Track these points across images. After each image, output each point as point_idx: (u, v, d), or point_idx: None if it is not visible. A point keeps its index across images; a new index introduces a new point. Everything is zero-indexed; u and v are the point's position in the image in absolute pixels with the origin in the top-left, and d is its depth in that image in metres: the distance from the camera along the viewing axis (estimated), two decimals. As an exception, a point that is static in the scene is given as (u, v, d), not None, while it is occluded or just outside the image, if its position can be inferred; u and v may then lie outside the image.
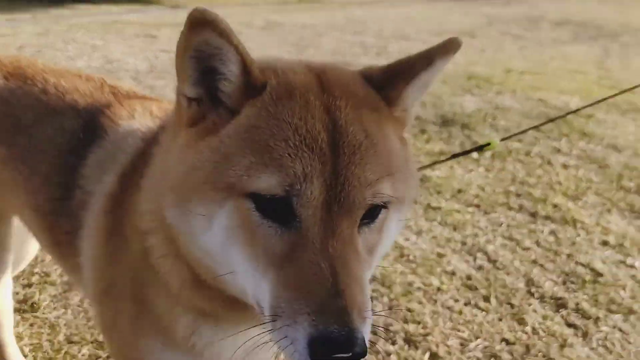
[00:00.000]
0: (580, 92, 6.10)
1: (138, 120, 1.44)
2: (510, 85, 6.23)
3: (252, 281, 0.98)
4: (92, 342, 2.12)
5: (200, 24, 0.95)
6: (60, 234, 1.45)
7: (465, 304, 2.53)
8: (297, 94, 1.01)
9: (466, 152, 2.01)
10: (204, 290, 1.13)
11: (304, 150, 0.95)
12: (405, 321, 2.38)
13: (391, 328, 2.32)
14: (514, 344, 2.30)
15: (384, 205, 1.02)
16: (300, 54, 7.53)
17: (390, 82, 1.10)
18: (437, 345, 2.25)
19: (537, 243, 3.08)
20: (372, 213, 1.01)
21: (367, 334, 0.92)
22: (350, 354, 0.88)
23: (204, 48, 0.98)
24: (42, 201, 1.46)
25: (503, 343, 2.31)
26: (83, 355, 2.09)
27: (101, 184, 1.35)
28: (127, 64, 6.23)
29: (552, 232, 3.20)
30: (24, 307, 2.31)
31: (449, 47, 1.11)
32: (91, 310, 1.34)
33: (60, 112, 1.51)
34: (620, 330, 2.43)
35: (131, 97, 1.57)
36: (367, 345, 0.91)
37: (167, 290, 1.17)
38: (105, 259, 1.30)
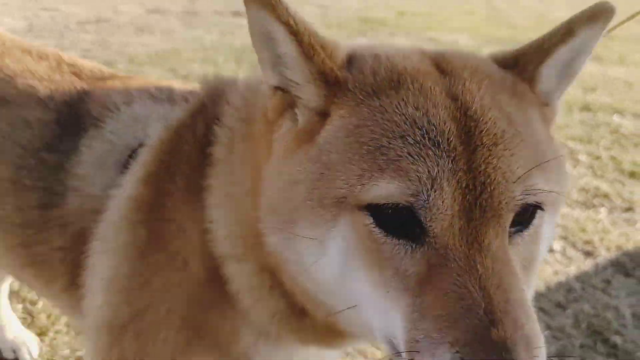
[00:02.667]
0: (469, 31, 6.32)
1: (143, 105, 1.18)
2: (404, 26, 6.35)
3: (380, 314, 0.79)
4: None
5: (262, 3, 0.80)
6: (43, 251, 1.18)
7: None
8: (407, 79, 0.82)
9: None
10: (302, 322, 0.96)
11: (427, 146, 0.76)
12: None
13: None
14: None
15: (539, 205, 0.81)
16: (193, 5, 7.30)
17: (523, 62, 0.90)
18: None
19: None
20: (524, 217, 0.81)
21: None
22: None
23: (262, 29, 0.82)
24: (9, 211, 1.20)
25: None
26: None
27: (118, 186, 1.08)
28: (1, 23, 5.79)
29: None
30: None
31: (596, 13, 0.87)
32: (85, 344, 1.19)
33: (12, 101, 1.25)
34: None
35: (104, 79, 1.31)
36: None
37: (234, 316, 0.99)
38: (135, 280, 1.03)
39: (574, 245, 2.50)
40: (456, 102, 0.80)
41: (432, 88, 0.81)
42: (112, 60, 5.01)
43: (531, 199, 0.78)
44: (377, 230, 0.77)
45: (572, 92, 4.52)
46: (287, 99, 0.86)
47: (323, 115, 0.83)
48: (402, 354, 0.75)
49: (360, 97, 0.82)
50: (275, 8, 0.80)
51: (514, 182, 0.76)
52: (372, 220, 0.77)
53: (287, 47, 0.83)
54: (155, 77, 4.64)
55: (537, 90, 0.91)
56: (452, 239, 0.75)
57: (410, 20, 6.72)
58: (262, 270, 0.94)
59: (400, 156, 0.76)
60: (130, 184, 1.06)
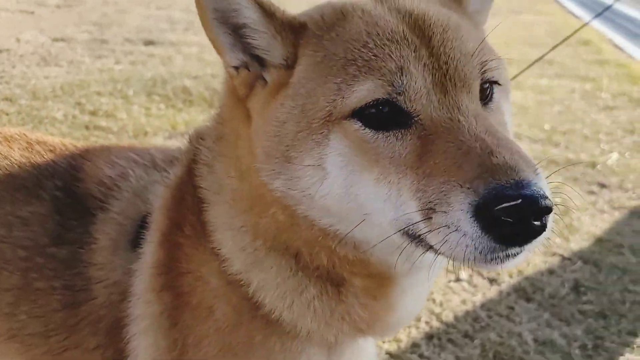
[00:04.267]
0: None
1: (137, 177, 1.16)
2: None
3: (392, 206, 0.84)
4: None
5: None
6: (77, 355, 1.09)
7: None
8: (352, 8, 0.95)
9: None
10: (341, 299, 0.99)
11: (387, 45, 0.88)
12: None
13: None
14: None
15: (496, 81, 0.94)
16: (102, 33, 7.09)
17: None
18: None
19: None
20: (485, 94, 0.93)
21: (546, 188, 0.76)
22: (536, 201, 0.70)
23: (218, 6, 0.92)
24: (26, 322, 1.09)
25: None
26: None
27: (137, 260, 1.06)
28: None
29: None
30: None
31: None
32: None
33: None
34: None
35: (78, 152, 1.24)
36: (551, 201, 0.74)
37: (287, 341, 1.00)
38: (174, 351, 1.02)
39: (479, 273, 2.65)
40: (400, 12, 0.94)
41: (377, 8, 0.95)
42: (13, 95, 4.79)
43: (488, 74, 0.92)
44: (367, 130, 0.86)
45: (475, 118, 4.80)
46: (251, 73, 0.96)
47: (290, 63, 0.94)
48: (421, 229, 0.80)
49: (319, 33, 0.94)
50: None
51: (472, 56, 0.90)
52: (360, 124, 0.86)
53: (250, 14, 0.93)
54: (60, 113, 4.48)
55: (466, 9, 1.07)
56: (434, 111, 0.85)
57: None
58: (280, 257, 0.97)
59: (367, 60, 0.87)
60: (148, 252, 1.05)
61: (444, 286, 2.54)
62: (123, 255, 1.08)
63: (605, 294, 2.47)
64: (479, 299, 2.46)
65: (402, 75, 0.86)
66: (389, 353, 2.10)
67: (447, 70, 0.88)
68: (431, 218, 0.78)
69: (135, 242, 1.08)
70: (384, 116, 0.86)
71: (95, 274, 1.08)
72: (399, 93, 0.85)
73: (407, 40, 0.89)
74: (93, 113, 4.54)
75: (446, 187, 0.77)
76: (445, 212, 0.76)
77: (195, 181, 1.06)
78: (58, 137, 1.35)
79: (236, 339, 1.00)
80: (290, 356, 1.01)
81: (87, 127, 4.28)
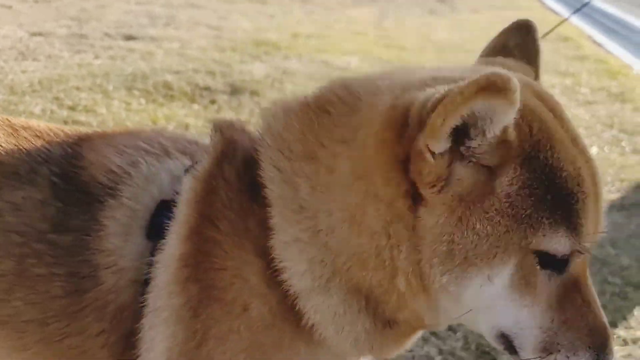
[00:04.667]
0: (360, 53, 6.57)
1: (149, 164, 1.12)
2: (297, 49, 6.48)
3: (512, 319, 0.98)
4: None
5: (497, 91, 0.84)
6: (78, 342, 1.07)
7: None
8: (554, 137, 0.95)
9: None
10: (384, 335, 1.06)
11: (589, 203, 0.95)
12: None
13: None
14: None
15: None
16: (81, 28, 6.99)
17: None
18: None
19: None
20: None
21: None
22: None
23: (481, 112, 0.87)
24: (20, 308, 1.07)
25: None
26: None
27: (159, 251, 1.04)
28: None
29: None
30: None
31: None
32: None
33: None
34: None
35: (74, 137, 1.19)
36: None
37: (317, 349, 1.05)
38: (192, 341, 1.02)
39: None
40: (584, 155, 0.99)
41: (567, 139, 0.97)
42: (-11, 90, 4.70)
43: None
44: (538, 267, 0.95)
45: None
46: (445, 165, 0.92)
47: (491, 172, 0.93)
48: (523, 349, 0.98)
49: (528, 150, 0.93)
50: (514, 100, 0.86)
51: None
52: (537, 261, 0.94)
53: (497, 125, 0.90)
54: (38, 108, 4.41)
55: None
56: (581, 274, 0.99)
57: (304, 43, 6.87)
58: (352, 296, 1.01)
59: (571, 213, 0.93)
60: (172, 244, 1.03)
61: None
62: (135, 241, 1.07)
63: (585, 285, 2.49)
64: (461, 292, 2.48)
65: (591, 239, 0.97)
66: (372, 347, 2.10)
67: (597, 232, 1.01)
68: (552, 353, 0.97)
69: (150, 230, 1.07)
70: (553, 261, 0.96)
71: (103, 260, 1.06)
72: (581, 252, 0.96)
73: (596, 197, 0.98)
74: (72, 108, 4.47)
75: (577, 342, 0.96)
76: (568, 357, 0.96)
77: (239, 177, 1.05)
78: (43, 122, 1.31)
79: (267, 338, 1.02)
80: None
81: (65, 122, 4.21)
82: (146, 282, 1.04)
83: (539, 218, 0.92)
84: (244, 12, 8.51)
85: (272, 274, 1.00)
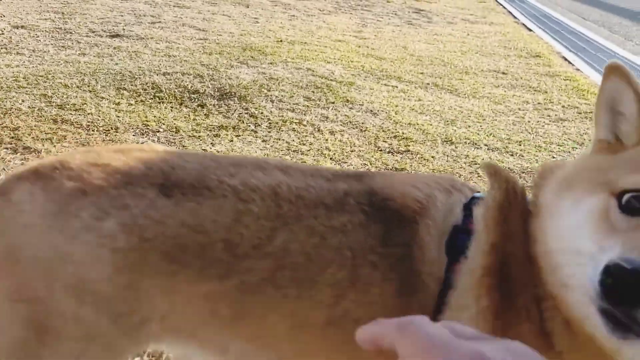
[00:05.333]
0: (342, 61, 6.74)
1: (446, 197, 1.39)
2: (282, 55, 6.61)
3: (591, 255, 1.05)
4: None
5: (610, 71, 1.16)
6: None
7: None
8: None
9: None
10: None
11: None
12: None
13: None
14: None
15: None
16: (65, 22, 6.97)
17: None
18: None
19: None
20: None
21: None
22: None
23: (612, 93, 1.18)
24: (349, 307, 1.26)
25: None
26: None
27: (462, 261, 1.27)
28: None
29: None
30: None
31: None
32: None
33: (296, 218, 1.30)
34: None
35: (354, 176, 1.45)
36: None
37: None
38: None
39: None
40: None
41: None
42: (-23, 85, 4.69)
43: None
44: (616, 207, 1.09)
45: (436, 124, 5.04)
46: (608, 145, 1.21)
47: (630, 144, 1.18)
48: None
49: None
50: (630, 78, 1.16)
51: None
52: (616, 202, 1.09)
53: (630, 107, 1.17)
54: (26, 105, 4.43)
55: None
56: None
57: (288, 49, 6.99)
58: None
59: None
60: (475, 258, 1.26)
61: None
62: (441, 256, 1.29)
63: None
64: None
65: None
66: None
67: None
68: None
69: (448, 247, 1.30)
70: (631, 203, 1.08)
71: (426, 269, 1.28)
72: None
73: None
74: (60, 106, 4.51)
75: None
76: None
77: (524, 213, 1.30)
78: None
79: (536, 341, 1.19)
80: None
81: (54, 121, 4.25)
82: (446, 287, 1.26)
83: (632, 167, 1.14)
84: (228, 14, 8.59)
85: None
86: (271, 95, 5.23)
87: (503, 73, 7.35)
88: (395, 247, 1.30)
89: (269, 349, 1.33)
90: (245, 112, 4.78)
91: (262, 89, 5.34)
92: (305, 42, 7.47)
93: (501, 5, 14.02)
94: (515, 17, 12.47)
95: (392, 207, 1.34)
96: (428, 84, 6.46)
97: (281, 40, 7.36)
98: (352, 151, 4.33)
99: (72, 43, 6.17)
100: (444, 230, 1.32)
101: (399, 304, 1.28)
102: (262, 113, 4.75)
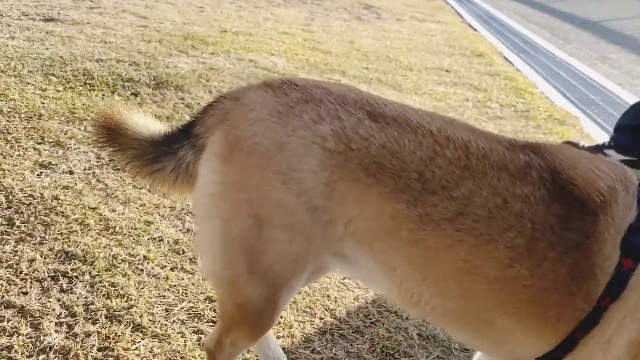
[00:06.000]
0: (287, 54, 6.66)
1: (619, 188, 1.44)
2: (225, 45, 6.47)
3: None
4: None
5: None
6: (562, 311, 1.39)
7: (172, 269, 2.65)
8: None
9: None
10: None
11: None
12: (108, 297, 2.38)
13: (92, 307, 2.32)
14: (215, 301, 2.52)
15: None
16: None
17: None
18: (140, 316, 2.31)
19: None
20: None
21: None
22: None
23: None
24: (523, 273, 1.37)
25: (207, 302, 2.49)
26: None
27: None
28: None
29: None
30: None
31: None
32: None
33: (482, 174, 1.41)
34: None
35: (538, 148, 1.51)
36: None
37: None
38: None
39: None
40: None
41: None
42: None
43: None
44: None
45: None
46: None
47: None
48: None
49: None
50: None
51: None
52: None
53: None
54: (-54, 89, 4.17)
55: None
56: None
57: (232, 40, 6.85)
58: None
59: None
60: None
61: (339, 283, 2.69)
62: (617, 252, 1.37)
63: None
64: (371, 295, 2.63)
65: None
66: (283, 348, 2.21)
67: None
68: None
69: (624, 245, 1.37)
70: None
71: (600, 262, 1.36)
72: None
73: None
74: (-17, 92, 4.26)
75: None
76: None
77: None
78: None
79: None
80: None
81: (-26, 106, 4.01)
82: (616, 280, 1.35)
83: None
84: (173, 2, 8.35)
85: None
86: (209, 86, 5.10)
87: (446, 71, 7.43)
88: (573, 233, 1.37)
89: (433, 281, 1.45)
90: (181, 102, 4.65)
91: (201, 79, 5.21)
92: (251, 34, 7.34)
93: (449, 4, 14.20)
94: (462, 17, 12.65)
95: (575, 193, 1.40)
96: (372, 79, 6.46)
97: (225, 31, 7.20)
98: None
99: (2, 26, 5.85)
100: (622, 227, 1.38)
101: (569, 286, 1.37)
102: (198, 103, 4.62)
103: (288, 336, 2.30)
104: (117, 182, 3.31)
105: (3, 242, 2.63)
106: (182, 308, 2.42)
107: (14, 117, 3.93)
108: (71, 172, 3.35)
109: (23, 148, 3.54)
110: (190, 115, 4.39)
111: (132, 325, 2.26)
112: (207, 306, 2.45)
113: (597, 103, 6.60)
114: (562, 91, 7.03)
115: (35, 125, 3.84)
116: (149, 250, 2.74)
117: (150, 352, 2.15)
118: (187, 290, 2.53)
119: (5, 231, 2.71)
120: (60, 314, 2.25)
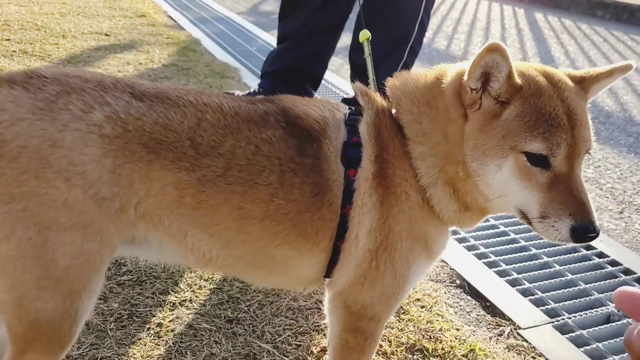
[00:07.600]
0: None
1: (332, 116, 1.75)
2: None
3: (523, 199, 1.58)
4: None
5: (493, 50, 1.50)
6: (317, 225, 1.64)
7: None
8: (543, 91, 1.58)
9: None
10: (464, 214, 1.74)
11: (556, 127, 1.53)
12: None
13: None
14: None
15: (588, 152, 1.61)
16: None
17: (585, 82, 1.70)
18: None
19: None
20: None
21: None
22: (596, 235, 1.50)
23: (489, 63, 1.53)
24: (282, 204, 1.59)
25: None
26: None
27: (361, 169, 1.66)
28: None
29: None
30: None
31: (625, 68, 1.69)
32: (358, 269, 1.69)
33: (238, 129, 1.61)
34: None
35: (268, 99, 1.77)
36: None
37: (436, 219, 1.72)
38: (382, 219, 1.66)
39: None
40: (563, 103, 1.57)
41: (553, 95, 1.58)
42: None
43: (589, 148, 1.60)
44: (527, 163, 1.54)
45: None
46: (478, 95, 1.59)
47: (503, 103, 1.57)
48: (532, 218, 1.58)
49: (526, 96, 1.56)
50: (507, 56, 1.51)
51: (588, 142, 1.59)
52: (525, 159, 1.54)
53: (503, 72, 1.54)
54: None
55: (587, 96, 1.71)
56: (563, 168, 1.55)
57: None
58: (447, 187, 1.68)
59: (545, 131, 1.52)
60: (366, 166, 1.67)
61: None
62: (339, 166, 1.66)
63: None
64: None
65: (559, 148, 1.53)
66: None
67: (575, 148, 1.56)
68: (545, 218, 1.54)
69: (342, 159, 1.67)
70: (538, 160, 1.54)
71: (331, 176, 1.64)
72: (552, 155, 1.53)
73: (564, 126, 1.54)
74: None
75: (561, 210, 1.53)
76: (556, 220, 1.53)
77: (390, 122, 1.74)
78: None
79: (419, 213, 1.69)
80: (435, 226, 1.74)
81: None
82: (347, 190, 1.65)
83: (525, 132, 1.53)
84: None
85: (415, 176, 1.68)
86: None
87: (106, 34, 7.02)
88: (308, 158, 1.63)
89: (218, 236, 1.60)
90: None
91: None
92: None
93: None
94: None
95: (302, 125, 1.67)
96: (15, 51, 5.71)
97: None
98: None
99: None
100: (338, 146, 1.68)
101: (315, 202, 1.63)
102: None
103: None
104: None
105: None
106: None
107: None
108: None
109: None
110: None
111: None
112: None
113: (255, 54, 7.02)
114: (224, 45, 7.28)
115: None
116: None
117: None
118: None
119: None
120: None
